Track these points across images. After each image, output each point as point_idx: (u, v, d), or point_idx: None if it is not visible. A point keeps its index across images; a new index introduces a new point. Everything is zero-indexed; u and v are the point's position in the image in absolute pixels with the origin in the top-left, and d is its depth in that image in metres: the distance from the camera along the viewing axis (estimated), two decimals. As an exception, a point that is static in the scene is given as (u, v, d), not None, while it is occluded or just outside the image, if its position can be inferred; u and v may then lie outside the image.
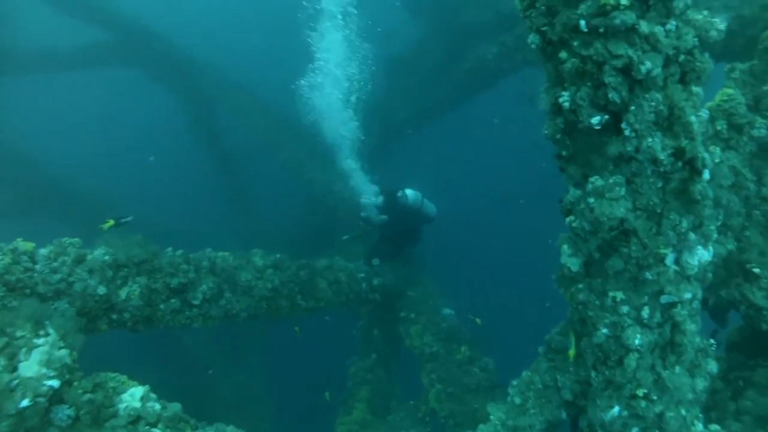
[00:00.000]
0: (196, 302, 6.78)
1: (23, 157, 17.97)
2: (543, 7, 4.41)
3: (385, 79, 14.52)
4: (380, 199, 9.84)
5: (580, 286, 5.24)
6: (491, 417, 6.03)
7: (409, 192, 9.84)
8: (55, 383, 4.47)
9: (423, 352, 8.63)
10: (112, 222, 7.04)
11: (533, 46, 4.68)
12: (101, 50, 17.85)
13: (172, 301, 6.64)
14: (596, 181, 4.59)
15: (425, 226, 10.40)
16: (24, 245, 5.87)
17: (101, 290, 6.02)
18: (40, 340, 4.66)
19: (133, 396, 5.02)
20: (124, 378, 5.22)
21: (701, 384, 5.25)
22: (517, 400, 6.01)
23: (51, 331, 4.82)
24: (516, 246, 21.84)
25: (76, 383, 4.80)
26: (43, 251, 5.97)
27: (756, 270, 6.06)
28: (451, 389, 7.98)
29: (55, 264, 5.86)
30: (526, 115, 13.53)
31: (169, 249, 7.00)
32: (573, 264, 5.19)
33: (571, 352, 5.59)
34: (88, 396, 4.73)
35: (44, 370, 4.49)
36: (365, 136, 11.82)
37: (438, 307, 9.32)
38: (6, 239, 5.87)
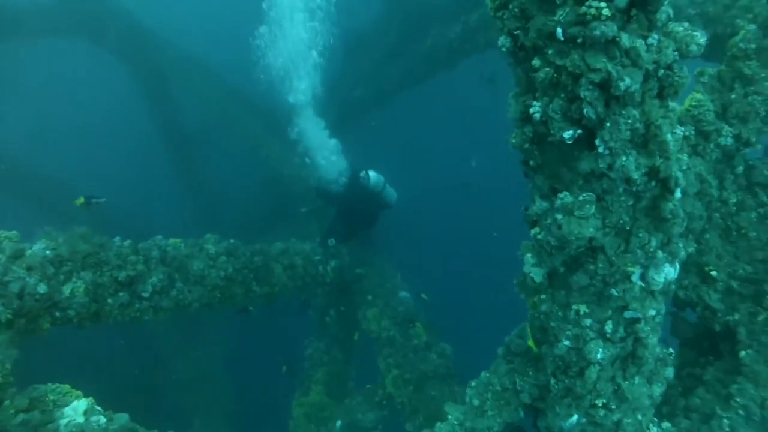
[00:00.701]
0: (145, 295, 6.39)
1: None
2: (516, 10, 4.06)
3: (343, 54, 13.91)
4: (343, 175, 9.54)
5: (543, 296, 5.06)
6: (449, 417, 5.89)
7: (372, 174, 9.53)
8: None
9: (380, 337, 8.45)
10: (82, 200, 6.61)
11: (503, 49, 4.34)
12: (46, 17, 16.41)
13: (121, 294, 6.24)
14: (565, 197, 4.33)
15: (383, 212, 10.13)
16: (-48, 244, 5.36)
17: (42, 288, 5.57)
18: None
19: (76, 410, 4.67)
20: (65, 388, 4.87)
21: (658, 390, 5.20)
22: (476, 402, 5.87)
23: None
24: (472, 231, 21.75)
25: (7, 402, 4.42)
26: (-27, 249, 5.46)
27: (713, 273, 6.01)
28: (408, 375, 7.85)
29: (-13, 264, 5.36)
30: (488, 98, 13.20)
31: (117, 239, 6.56)
32: (536, 274, 4.99)
33: (530, 343, 5.48)
34: (21, 417, 4.36)
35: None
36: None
37: (395, 290, 9.13)
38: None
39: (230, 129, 14.33)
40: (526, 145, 4.53)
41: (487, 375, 5.97)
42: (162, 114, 17.39)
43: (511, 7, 4.07)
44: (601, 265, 4.52)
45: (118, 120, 23.64)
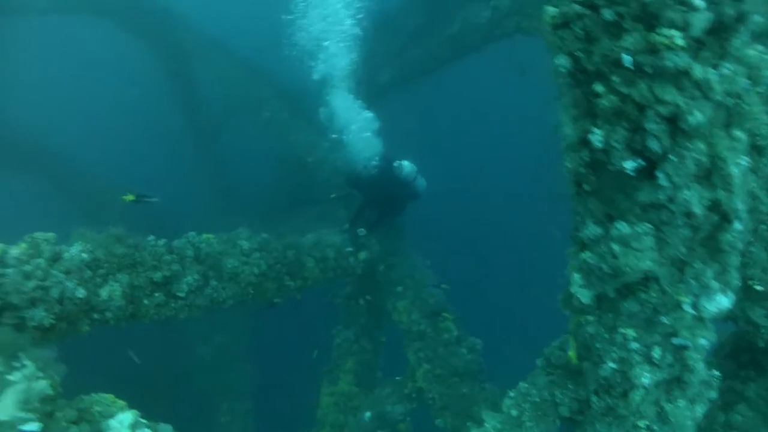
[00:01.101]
0: (181, 294, 6.36)
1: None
2: (580, 31, 3.83)
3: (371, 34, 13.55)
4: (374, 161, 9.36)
5: (590, 318, 4.94)
6: (486, 425, 5.86)
7: (405, 163, 9.36)
8: (34, 428, 4.09)
9: (410, 330, 8.40)
10: (132, 197, 6.57)
11: (561, 69, 4.13)
12: None
13: (156, 295, 6.21)
14: (623, 228, 4.17)
15: (411, 201, 9.98)
16: (-7, 248, 5.32)
17: (80, 293, 5.55)
18: (15, 375, 4.24)
19: (122, 423, 4.67)
20: (109, 398, 4.86)
21: (701, 411, 5.11)
22: (514, 412, 5.82)
23: (27, 362, 4.38)
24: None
25: (59, 414, 4.43)
26: (14, 252, 5.42)
27: (758, 287, 5.83)
28: (439, 371, 7.82)
29: (28, 267, 5.33)
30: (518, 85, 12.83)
31: (151, 238, 6.49)
32: (584, 296, 4.86)
33: (571, 353, 5.40)
34: (73, 429, 4.37)
35: (21, 414, 4.08)
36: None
37: (425, 281, 9.03)
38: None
39: (253, 111, 14.04)
40: (582, 170, 4.35)
41: (526, 385, 5.90)
42: (183, 94, 17.17)
43: (574, 27, 3.84)
44: (653, 295, 4.39)
45: (139, 100, 23.34)
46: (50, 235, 5.80)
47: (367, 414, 8.36)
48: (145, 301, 6.11)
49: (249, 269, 6.97)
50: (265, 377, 13.04)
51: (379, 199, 9.52)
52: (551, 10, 3.96)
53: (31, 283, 5.25)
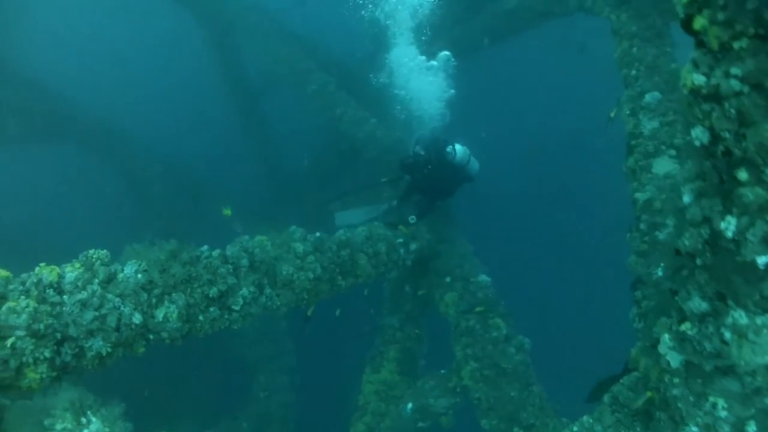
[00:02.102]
0: (236, 308, 6.05)
1: (34, 83, 16.29)
2: (733, 111, 3.26)
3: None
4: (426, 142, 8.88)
5: (676, 380, 4.59)
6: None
7: (458, 147, 8.83)
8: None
9: (458, 325, 8.14)
10: (229, 212, 6.31)
11: (696, 142, 3.60)
12: None
13: (212, 310, 5.89)
14: (740, 318, 3.74)
15: (463, 185, 9.47)
16: (48, 274, 4.99)
17: (137, 319, 5.25)
18: (83, 434, 4.01)
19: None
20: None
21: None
22: (578, 449, 5.61)
23: (94, 419, 4.13)
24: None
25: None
26: (69, 276, 5.10)
27: None
28: (486, 371, 7.60)
29: (84, 295, 5.02)
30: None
31: (205, 248, 6.12)
32: (674, 360, 4.51)
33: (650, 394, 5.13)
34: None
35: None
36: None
37: (474, 272, 8.68)
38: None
39: (300, 84, 13.23)
40: (698, 246, 3.88)
41: (591, 421, 5.67)
42: (228, 65, 16.38)
43: (726, 104, 3.27)
44: (760, 379, 4.02)
45: (183, 70, 22.37)
46: (103, 253, 5.47)
47: (410, 405, 8.25)
48: (201, 318, 5.81)
49: (304, 275, 6.62)
50: (305, 351, 12.96)
51: (430, 183, 9.05)
52: (696, 78, 3.37)
53: (89, 315, 4.95)
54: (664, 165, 7.36)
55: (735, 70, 3.15)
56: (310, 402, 12.07)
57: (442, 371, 8.37)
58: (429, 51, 10.68)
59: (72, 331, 4.87)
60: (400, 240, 8.29)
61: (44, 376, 4.62)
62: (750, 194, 3.33)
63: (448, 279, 8.62)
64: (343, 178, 13.65)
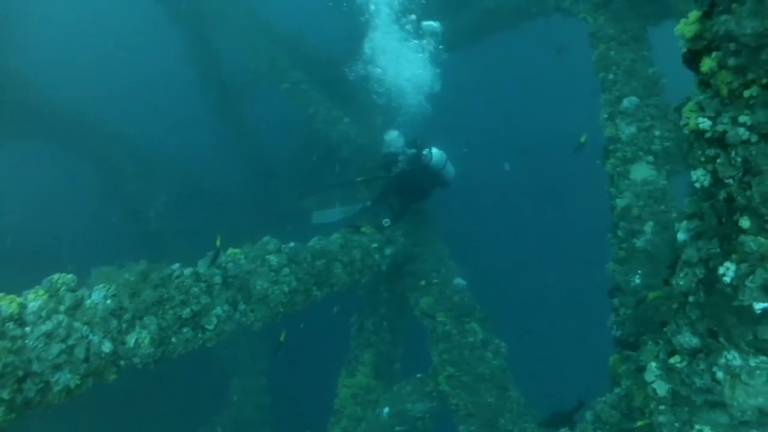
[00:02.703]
0: (210, 327, 5.76)
1: (22, 80, 15.85)
2: (739, 159, 3.10)
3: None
4: (401, 144, 8.65)
5: (662, 407, 4.52)
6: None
7: (435, 151, 8.62)
8: None
9: (434, 329, 8.00)
10: (219, 244, 5.98)
11: (697, 184, 3.45)
12: None
13: (185, 330, 5.61)
14: (734, 359, 3.65)
15: (438, 190, 9.27)
16: (8, 305, 4.64)
17: (107, 347, 4.96)
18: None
19: None
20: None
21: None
22: (560, 467, 5.56)
23: None
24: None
25: None
26: (32, 305, 4.77)
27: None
28: (465, 378, 7.50)
29: (49, 326, 4.69)
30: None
31: (176, 266, 5.81)
32: (660, 388, 4.43)
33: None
34: None
35: None
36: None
37: (450, 276, 8.52)
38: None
39: (276, 80, 12.73)
40: (692, 285, 3.76)
41: (573, 438, 5.62)
42: (202, 59, 15.77)
43: (732, 152, 3.10)
44: (749, 413, 3.96)
45: (158, 64, 21.49)
46: (69, 277, 5.13)
47: (386, 409, 8.11)
48: (173, 339, 5.53)
49: (279, 288, 6.36)
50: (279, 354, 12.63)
51: (405, 186, 8.83)
52: (702, 122, 3.21)
53: (55, 348, 4.63)
54: (641, 171, 7.28)
55: (744, 119, 2.99)
56: (284, 404, 11.85)
57: (419, 375, 8.25)
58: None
59: (36, 366, 4.56)
60: (375, 245, 8.08)
61: (1, 419, 4.32)
62: (752, 243, 3.20)
63: (423, 282, 8.47)
64: (320, 175, 13.32)
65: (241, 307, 6.11)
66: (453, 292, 8.28)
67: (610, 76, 8.01)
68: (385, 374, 8.63)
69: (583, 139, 8.44)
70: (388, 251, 8.27)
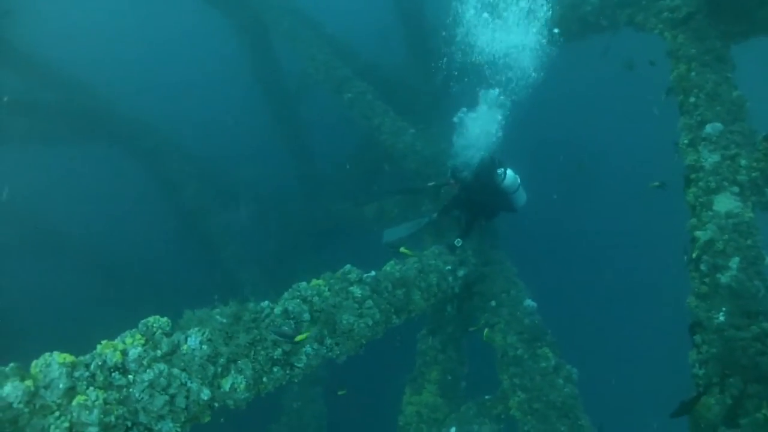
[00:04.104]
0: (300, 365, 5.58)
1: (73, 82, 15.90)
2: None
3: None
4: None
5: None
6: None
7: (510, 173, 8.27)
8: None
9: (506, 353, 7.74)
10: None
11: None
12: None
13: (275, 370, 5.44)
14: None
15: (504, 213, 8.96)
16: (112, 354, 4.50)
17: (206, 395, 4.81)
18: None
19: None
20: None
21: None
22: None
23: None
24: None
25: None
26: (132, 352, 4.63)
27: None
28: (536, 405, 7.25)
29: (151, 375, 4.55)
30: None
31: (266, 304, 5.63)
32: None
33: None
34: None
35: None
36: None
37: (520, 297, 8.23)
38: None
39: (336, 91, 12.38)
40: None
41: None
42: (261, 67, 15.52)
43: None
44: None
45: (219, 73, 21.28)
46: (164, 321, 5.00)
47: (453, 429, 7.91)
48: (264, 379, 5.36)
49: (363, 322, 6.15)
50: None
51: (473, 201, 8.53)
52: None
53: (160, 400, 4.48)
54: (726, 203, 6.85)
55: None
56: (340, 414, 11.71)
57: (487, 397, 8.03)
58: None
59: (142, 417, 4.43)
60: (449, 267, 7.82)
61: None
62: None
63: (493, 303, 8.20)
64: (377, 182, 13.09)
65: (328, 341, 5.91)
66: (523, 314, 8.00)
67: (691, 99, 7.55)
68: (450, 393, 8.41)
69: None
70: (460, 273, 8.02)
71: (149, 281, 16.54)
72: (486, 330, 8.09)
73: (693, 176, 7.16)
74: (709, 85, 7.52)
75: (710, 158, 7.12)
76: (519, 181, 8.46)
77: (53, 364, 4.20)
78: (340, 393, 9.53)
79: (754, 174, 6.86)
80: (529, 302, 8.19)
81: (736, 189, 6.88)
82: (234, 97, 20.75)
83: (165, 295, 15.54)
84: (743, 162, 6.95)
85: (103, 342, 4.61)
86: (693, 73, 7.71)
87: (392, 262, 7.34)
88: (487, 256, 8.77)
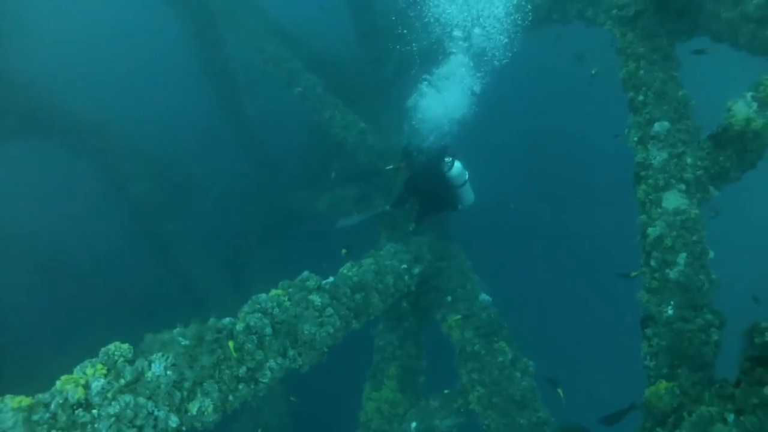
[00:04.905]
0: (264, 380, 5.56)
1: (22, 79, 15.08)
2: None
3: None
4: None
5: None
6: None
7: (458, 164, 8.28)
8: None
9: (463, 348, 7.92)
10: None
11: None
12: None
13: (241, 387, 5.39)
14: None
15: (449, 208, 9.03)
16: (74, 390, 4.35)
17: (173, 422, 4.72)
18: None
19: None
20: None
21: None
22: None
23: None
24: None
25: None
26: (95, 385, 4.48)
27: None
28: (496, 399, 7.49)
29: (116, 408, 4.43)
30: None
31: (227, 321, 5.55)
32: None
33: None
34: None
35: None
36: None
37: (475, 292, 8.40)
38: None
39: (286, 84, 12.04)
40: None
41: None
42: (208, 57, 14.86)
43: None
44: None
45: (163, 61, 20.14)
46: (126, 348, 4.85)
47: (414, 424, 8.09)
48: (230, 398, 5.30)
49: (324, 330, 6.15)
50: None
51: (422, 190, 8.60)
52: None
53: (126, 433, 4.37)
54: (674, 200, 7.17)
55: None
56: (302, 412, 11.73)
57: (446, 391, 8.23)
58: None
59: (108, 454, 4.30)
60: (404, 266, 7.89)
61: None
62: None
63: (449, 298, 8.35)
64: (325, 174, 12.94)
65: (290, 353, 5.88)
66: (480, 309, 8.19)
67: (640, 98, 7.80)
68: (410, 388, 8.56)
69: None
70: (416, 270, 8.10)
71: (102, 283, 15.98)
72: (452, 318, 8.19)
73: (643, 174, 7.44)
74: (656, 83, 7.78)
75: (659, 156, 7.41)
76: (467, 176, 8.53)
77: (5, 410, 3.98)
78: (291, 399, 9.58)
79: (699, 172, 7.19)
80: (484, 296, 8.39)
81: (683, 186, 7.21)
82: (181, 88, 19.99)
83: (119, 296, 15.12)
84: (689, 160, 7.27)
85: (63, 377, 4.42)
86: (642, 71, 7.95)
87: (348, 264, 7.34)
88: (441, 250, 8.90)
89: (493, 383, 7.62)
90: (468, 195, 8.72)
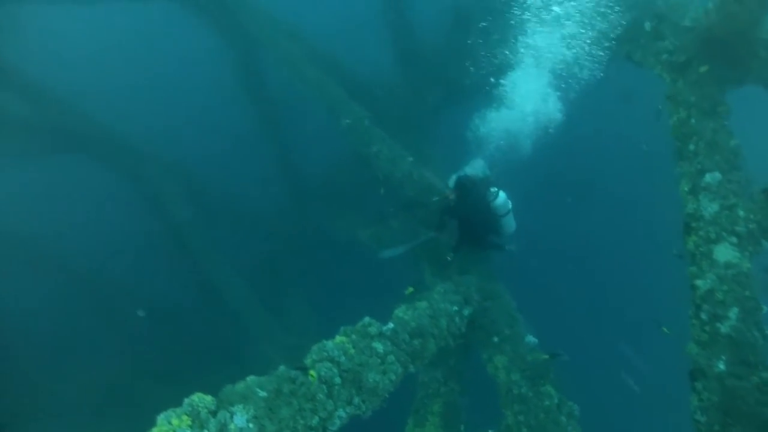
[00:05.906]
0: (333, 428, 5.76)
1: (50, 94, 15.32)
2: None
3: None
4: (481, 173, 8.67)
5: None
6: None
7: (502, 195, 8.51)
8: None
9: (510, 391, 8.10)
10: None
11: None
12: None
13: (311, 436, 5.59)
14: None
15: (491, 243, 9.23)
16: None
17: (259, 475, 4.91)
18: None
19: None
20: None
21: None
22: None
23: None
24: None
25: None
26: (185, 439, 4.68)
27: None
28: (541, 442, 7.67)
29: (207, 462, 4.63)
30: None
31: (297, 373, 5.76)
32: None
33: None
34: None
35: None
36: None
37: (521, 333, 8.58)
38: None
39: (331, 113, 12.30)
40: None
41: None
42: (249, 87, 15.15)
43: None
44: None
45: (205, 86, 20.42)
46: (209, 399, 5.06)
47: (457, 461, 8.28)
48: (303, 447, 5.51)
49: (387, 378, 6.35)
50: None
51: (461, 215, 8.84)
52: None
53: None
54: (725, 253, 7.33)
55: None
56: None
57: (490, 431, 8.39)
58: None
59: None
60: (455, 308, 8.09)
61: None
62: None
63: (495, 339, 8.53)
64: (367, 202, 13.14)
65: (356, 400, 6.10)
66: (526, 351, 8.37)
67: (691, 147, 7.97)
68: (453, 425, 8.75)
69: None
70: (466, 312, 8.31)
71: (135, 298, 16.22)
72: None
73: (693, 225, 7.60)
74: (707, 133, 7.94)
75: (710, 208, 7.57)
76: (510, 206, 8.78)
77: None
78: None
79: (751, 225, 7.35)
80: (531, 338, 8.56)
81: (734, 239, 7.36)
82: (219, 108, 20.28)
83: (153, 314, 15.39)
84: (741, 213, 7.43)
85: (153, 430, 4.65)
86: (693, 120, 8.12)
87: (404, 307, 7.55)
88: (487, 289, 9.08)
89: (539, 426, 7.78)
90: (510, 224, 8.97)
